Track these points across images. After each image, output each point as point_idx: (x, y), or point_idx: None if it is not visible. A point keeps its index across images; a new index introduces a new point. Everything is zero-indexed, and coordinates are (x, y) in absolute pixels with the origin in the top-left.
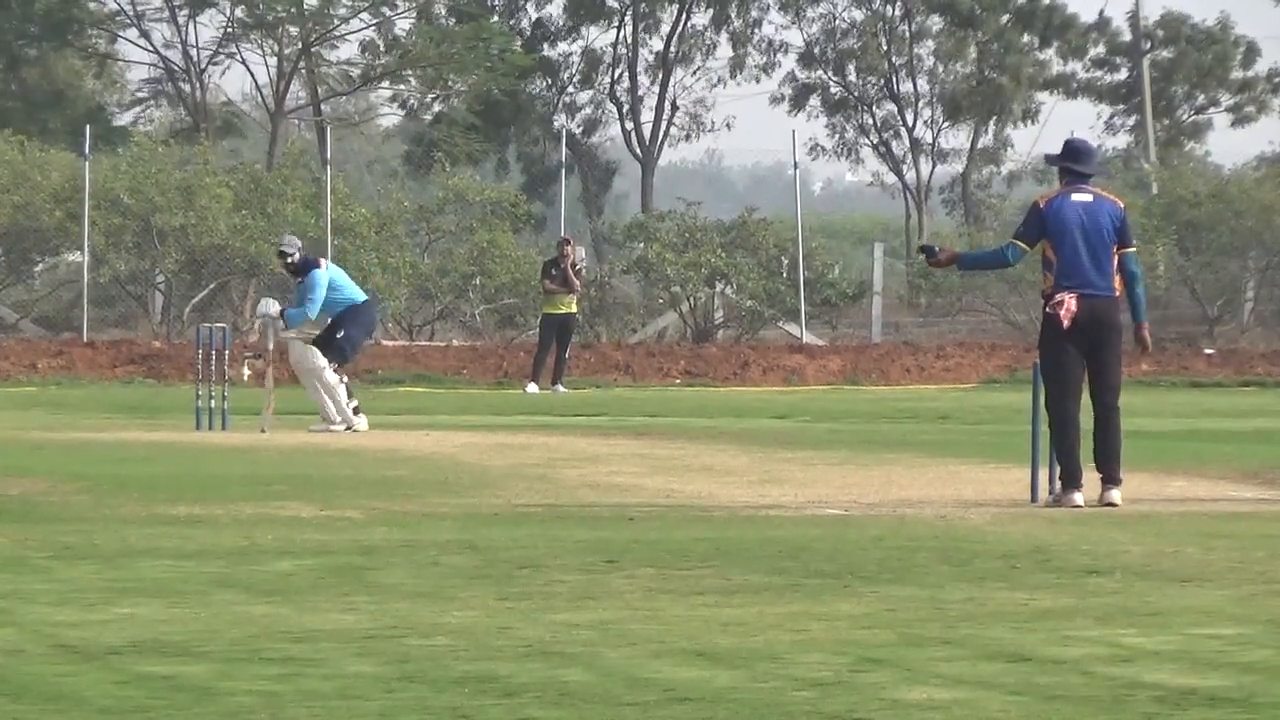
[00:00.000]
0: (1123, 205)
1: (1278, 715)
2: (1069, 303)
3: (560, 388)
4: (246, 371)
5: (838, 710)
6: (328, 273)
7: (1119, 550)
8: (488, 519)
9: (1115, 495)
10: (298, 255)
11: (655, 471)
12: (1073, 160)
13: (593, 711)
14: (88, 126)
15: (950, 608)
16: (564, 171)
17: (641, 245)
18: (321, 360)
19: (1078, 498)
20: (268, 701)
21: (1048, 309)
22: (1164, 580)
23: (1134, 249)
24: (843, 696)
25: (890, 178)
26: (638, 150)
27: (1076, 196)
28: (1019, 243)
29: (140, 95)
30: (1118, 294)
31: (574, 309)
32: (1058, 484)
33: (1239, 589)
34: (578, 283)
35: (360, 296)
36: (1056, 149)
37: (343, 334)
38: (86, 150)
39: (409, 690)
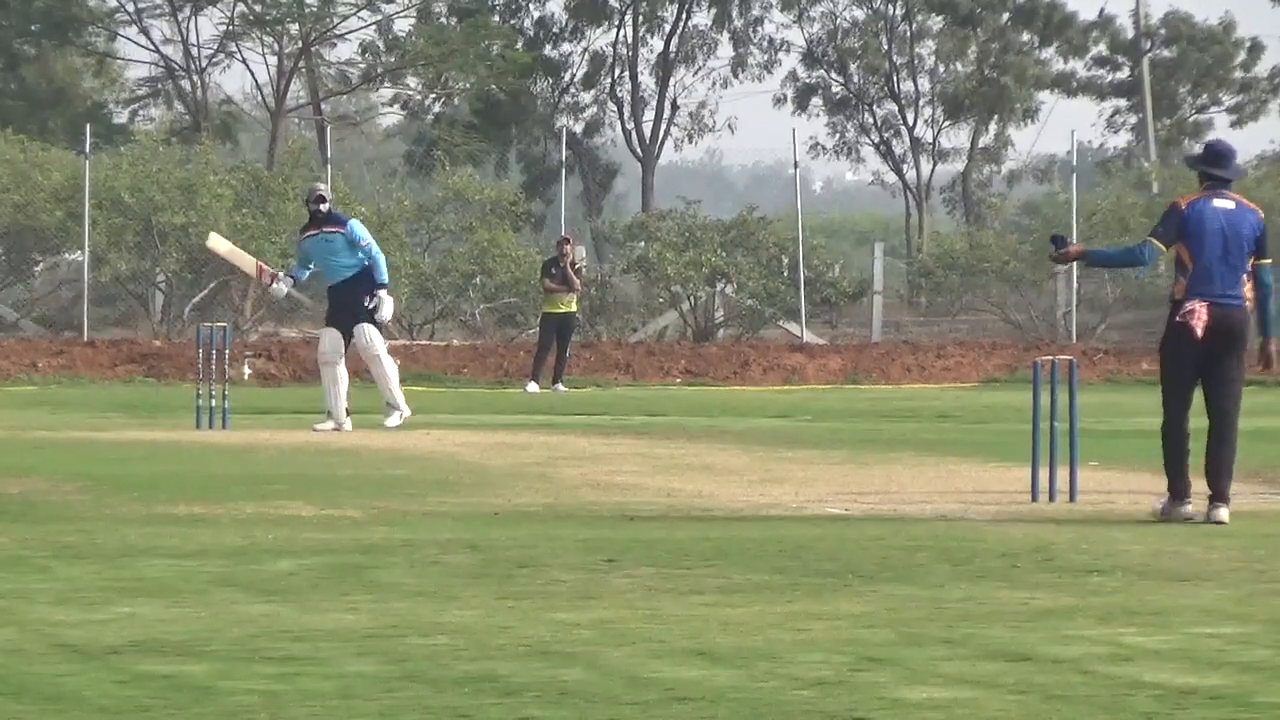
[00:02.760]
0: (1262, 214)
1: (1278, 715)
2: (1200, 311)
3: (561, 387)
4: (247, 370)
5: (838, 709)
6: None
7: (1119, 549)
8: (488, 518)
9: (1224, 514)
10: (325, 204)
11: (655, 471)
12: (1214, 164)
13: (593, 711)
14: (88, 125)
15: (950, 607)
16: (564, 171)
17: (642, 244)
18: (380, 342)
19: (1188, 509)
20: (268, 701)
21: (1178, 317)
22: (1164, 579)
23: (1269, 261)
24: (843, 696)
25: (891, 177)
26: (638, 150)
27: (1219, 202)
28: (1155, 242)
29: (140, 93)
30: (1248, 304)
31: (574, 308)
32: (1165, 495)
33: (1239, 588)
34: (577, 282)
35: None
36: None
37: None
38: (87, 149)
39: (409, 690)
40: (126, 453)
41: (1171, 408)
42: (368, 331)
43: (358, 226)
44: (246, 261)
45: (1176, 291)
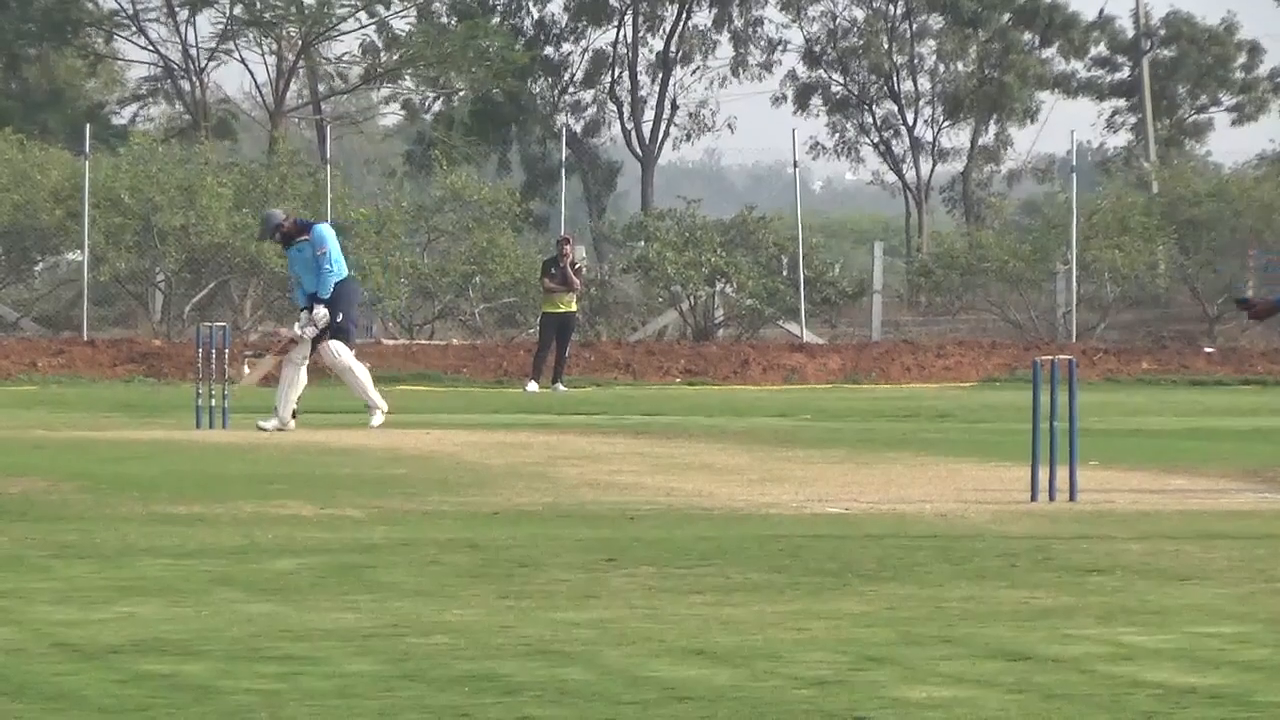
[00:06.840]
0: None
1: (1278, 714)
2: None
3: (560, 386)
4: (246, 370)
5: (838, 709)
6: (329, 230)
7: (1119, 549)
8: (488, 518)
9: None
10: (286, 221)
11: (655, 470)
12: None
13: (592, 710)
14: (87, 125)
15: (950, 606)
16: (564, 171)
17: (642, 244)
18: (347, 352)
19: None
20: (268, 700)
21: None
22: (1164, 578)
23: None
24: (843, 695)
25: (890, 176)
26: (638, 149)
27: None
28: None
29: (139, 94)
30: None
31: (574, 308)
32: None
33: (1239, 587)
34: (577, 281)
35: (346, 271)
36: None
37: (342, 317)
38: (86, 149)
39: (409, 689)
40: (126, 452)
41: None
42: (334, 347)
43: (322, 230)
44: None
45: None
